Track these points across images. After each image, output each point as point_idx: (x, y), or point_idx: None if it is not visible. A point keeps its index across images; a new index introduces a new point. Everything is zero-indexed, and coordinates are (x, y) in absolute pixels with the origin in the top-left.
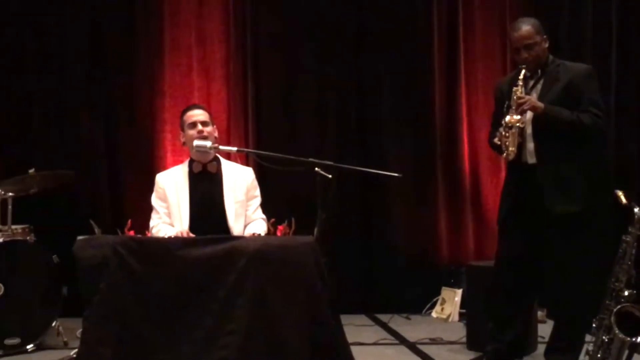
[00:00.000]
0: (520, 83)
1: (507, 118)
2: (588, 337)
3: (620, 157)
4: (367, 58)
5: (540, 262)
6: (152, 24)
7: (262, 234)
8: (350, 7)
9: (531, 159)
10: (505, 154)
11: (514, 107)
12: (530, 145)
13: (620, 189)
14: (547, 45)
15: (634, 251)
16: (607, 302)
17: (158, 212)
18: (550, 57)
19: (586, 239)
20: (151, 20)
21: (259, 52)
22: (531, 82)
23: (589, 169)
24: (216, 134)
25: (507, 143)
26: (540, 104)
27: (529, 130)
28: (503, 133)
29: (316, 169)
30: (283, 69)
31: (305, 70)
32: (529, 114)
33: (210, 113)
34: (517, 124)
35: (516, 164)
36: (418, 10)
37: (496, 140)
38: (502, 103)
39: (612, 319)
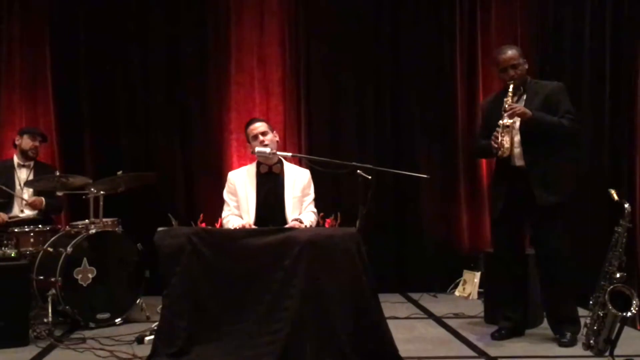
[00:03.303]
0: (510, 94)
1: (502, 121)
2: (585, 312)
3: (613, 162)
4: (401, 78)
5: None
6: (221, 49)
7: (308, 222)
8: (386, 35)
9: (519, 162)
10: (500, 152)
11: (506, 114)
12: (518, 150)
13: (613, 189)
14: (527, 66)
15: (624, 240)
16: (601, 282)
17: (229, 205)
18: (529, 77)
19: (565, 221)
20: (220, 47)
21: (310, 73)
22: (515, 98)
23: (566, 166)
24: (277, 139)
25: (502, 142)
26: (529, 111)
27: (517, 137)
28: (499, 134)
29: (358, 171)
30: (330, 88)
31: (348, 89)
32: (517, 123)
33: (268, 122)
34: (511, 126)
35: (506, 167)
36: (444, 38)
37: (492, 142)
38: (488, 118)
39: (606, 297)
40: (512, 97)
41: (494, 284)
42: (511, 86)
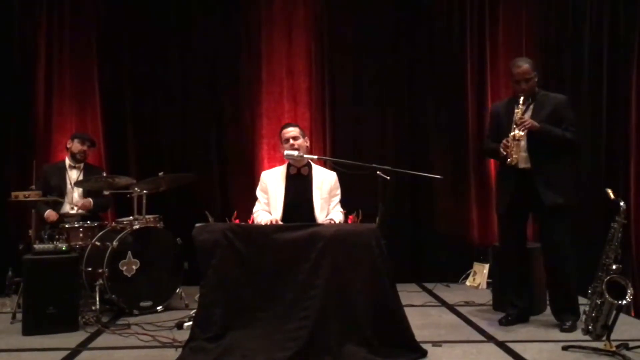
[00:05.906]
0: (522, 107)
1: (514, 133)
2: (584, 300)
3: (609, 163)
4: (417, 86)
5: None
6: (253, 61)
7: (338, 221)
8: (403, 48)
9: (524, 164)
10: (509, 160)
11: (517, 126)
12: (524, 155)
13: (610, 187)
14: (537, 79)
15: (619, 235)
16: (599, 273)
17: (260, 202)
18: (537, 88)
19: (568, 223)
20: (252, 58)
21: (334, 83)
22: (523, 107)
23: (567, 171)
24: (307, 144)
25: (511, 152)
26: (537, 124)
27: (522, 143)
28: (510, 144)
29: (377, 172)
30: (352, 96)
31: (369, 98)
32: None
33: (300, 128)
34: (521, 139)
35: (511, 168)
36: (454, 46)
37: (502, 150)
38: (496, 121)
39: (603, 286)
40: (522, 108)
41: (501, 274)
42: (522, 98)
